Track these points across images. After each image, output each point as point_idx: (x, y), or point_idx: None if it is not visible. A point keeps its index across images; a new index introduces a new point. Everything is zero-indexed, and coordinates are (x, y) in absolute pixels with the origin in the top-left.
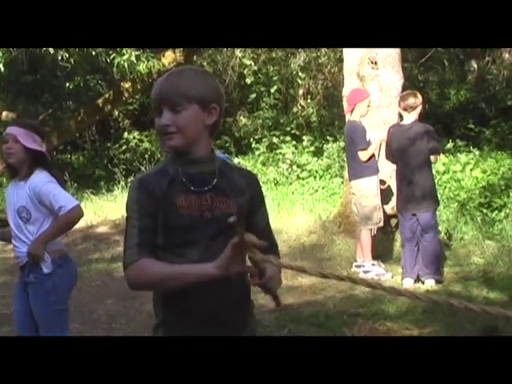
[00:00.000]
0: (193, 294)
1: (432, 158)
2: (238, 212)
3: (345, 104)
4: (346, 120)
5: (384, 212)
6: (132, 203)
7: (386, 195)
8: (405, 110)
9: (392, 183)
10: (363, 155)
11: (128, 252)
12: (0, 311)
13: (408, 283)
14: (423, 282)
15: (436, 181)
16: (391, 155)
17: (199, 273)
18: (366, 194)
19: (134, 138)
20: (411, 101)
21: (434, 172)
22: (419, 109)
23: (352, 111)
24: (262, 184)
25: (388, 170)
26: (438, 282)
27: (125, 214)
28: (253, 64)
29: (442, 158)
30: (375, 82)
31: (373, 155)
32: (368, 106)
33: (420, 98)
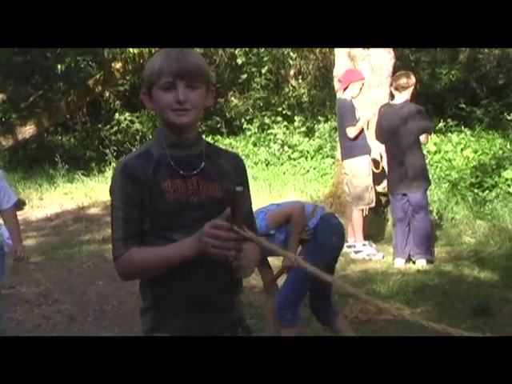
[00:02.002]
0: (180, 276)
1: (423, 137)
2: (223, 196)
3: (336, 84)
4: (337, 98)
5: (376, 192)
6: (117, 191)
7: (378, 175)
8: (396, 89)
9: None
10: (350, 131)
11: (115, 245)
12: None
13: (399, 263)
14: (414, 262)
15: (427, 161)
16: (381, 135)
17: (181, 254)
18: (357, 173)
19: (125, 119)
20: (403, 81)
21: (425, 152)
22: (411, 89)
23: (345, 89)
24: (253, 164)
25: (378, 150)
26: (429, 261)
27: None
28: None
29: (434, 137)
30: (366, 62)
31: (361, 133)
32: (361, 88)
33: (413, 78)
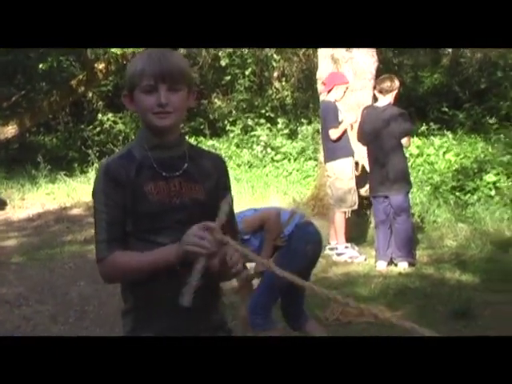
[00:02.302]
0: (161, 279)
1: (405, 140)
2: (206, 197)
3: (319, 86)
4: (320, 100)
5: (358, 195)
6: (100, 193)
7: (360, 178)
8: (380, 92)
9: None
10: (333, 133)
11: (98, 247)
12: None
13: (381, 266)
14: (396, 265)
15: (409, 164)
16: (363, 137)
17: (164, 258)
18: (340, 176)
19: (108, 119)
20: (387, 84)
21: (407, 155)
22: (395, 93)
23: (329, 92)
24: (236, 166)
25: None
26: (410, 264)
27: None
28: None
29: (416, 140)
30: (349, 65)
31: (344, 134)
32: (344, 91)
33: (397, 82)
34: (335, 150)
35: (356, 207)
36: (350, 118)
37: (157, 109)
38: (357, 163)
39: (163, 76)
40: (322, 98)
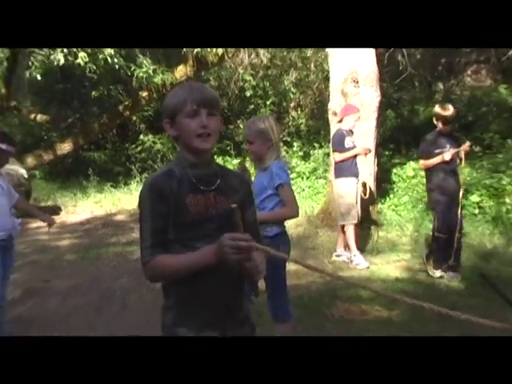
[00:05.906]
0: (202, 280)
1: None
2: (235, 209)
3: (330, 116)
4: (331, 129)
5: (361, 209)
6: (146, 205)
7: (370, 197)
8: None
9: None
10: (336, 156)
11: (144, 252)
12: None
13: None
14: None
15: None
16: None
17: (202, 260)
18: (343, 193)
19: (149, 140)
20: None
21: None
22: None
23: (341, 121)
24: None
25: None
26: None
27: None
28: (252, 79)
29: (412, 164)
30: (357, 98)
31: (348, 159)
32: (356, 120)
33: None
34: (341, 170)
35: (357, 221)
36: (357, 149)
37: (200, 130)
38: (364, 186)
39: (204, 102)
40: (333, 126)
